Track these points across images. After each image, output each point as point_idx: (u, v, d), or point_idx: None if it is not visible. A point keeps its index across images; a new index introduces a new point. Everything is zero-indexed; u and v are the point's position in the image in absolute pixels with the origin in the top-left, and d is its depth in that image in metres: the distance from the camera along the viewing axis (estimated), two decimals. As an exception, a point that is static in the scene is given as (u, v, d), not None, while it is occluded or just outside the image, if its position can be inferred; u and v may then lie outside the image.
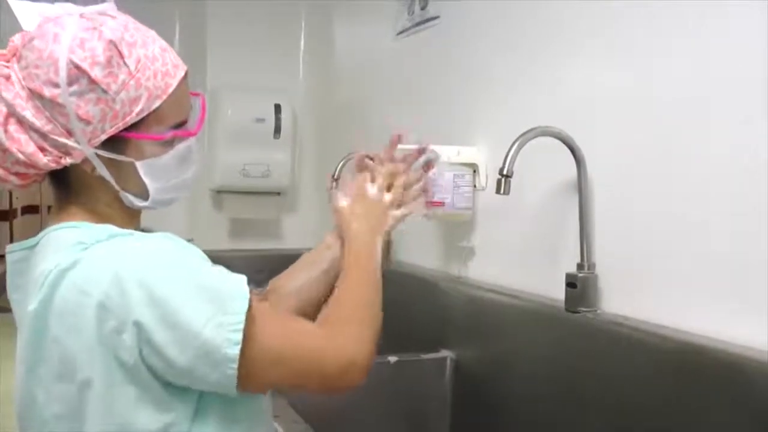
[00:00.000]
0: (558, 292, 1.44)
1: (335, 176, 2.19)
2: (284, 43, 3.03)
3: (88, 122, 0.90)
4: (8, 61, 0.92)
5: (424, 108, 2.11)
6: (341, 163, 2.21)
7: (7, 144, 0.90)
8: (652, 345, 1.22)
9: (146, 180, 0.97)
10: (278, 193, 2.96)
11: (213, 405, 0.92)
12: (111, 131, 0.92)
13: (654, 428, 1.21)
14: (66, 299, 0.86)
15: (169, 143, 0.98)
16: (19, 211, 14.25)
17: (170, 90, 0.95)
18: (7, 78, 0.91)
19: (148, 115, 0.94)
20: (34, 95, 0.89)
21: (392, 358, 1.71)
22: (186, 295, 0.86)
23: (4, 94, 0.89)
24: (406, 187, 1.27)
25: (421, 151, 1.30)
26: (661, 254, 1.28)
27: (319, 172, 3.00)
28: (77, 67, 0.88)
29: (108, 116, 0.91)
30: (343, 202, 1.24)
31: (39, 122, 0.90)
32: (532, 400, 1.51)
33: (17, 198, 13.69)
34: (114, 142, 0.93)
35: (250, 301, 0.88)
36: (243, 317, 0.87)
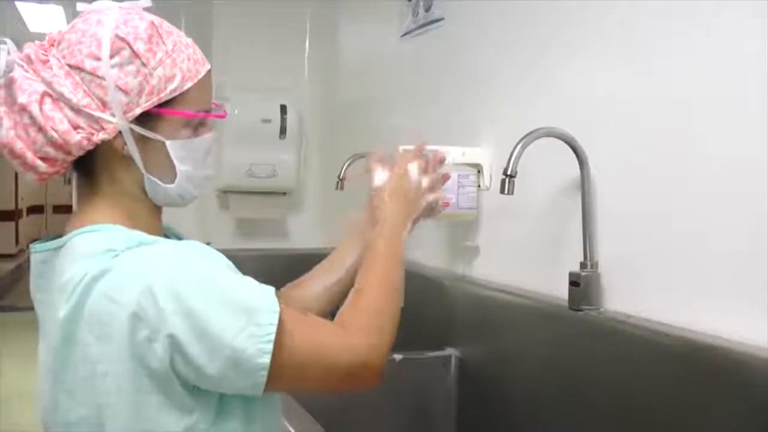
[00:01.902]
0: (561, 291, 1.44)
1: (341, 176, 2.20)
2: (290, 44, 3.04)
3: (126, 93, 0.93)
4: (46, 50, 0.95)
5: (428, 109, 2.12)
6: (347, 163, 2.22)
7: (42, 121, 0.91)
8: (655, 342, 1.23)
9: (176, 162, 0.99)
10: (284, 193, 2.97)
11: (233, 406, 0.94)
12: (146, 106, 0.94)
13: (657, 425, 1.21)
14: (96, 308, 0.87)
15: (195, 131, 1.01)
16: (24, 212, 14.24)
17: (200, 76, 0.99)
18: (45, 62, 0.93)
19: (178, 97, 0.97)
20: (74, 70, 0.92)
21: (398, 356, 1.71)
22: (218, 305, 0.87)
23: (43, 74, 0.92)
24: (438, 181, 1.28)
25: (440, 160, 1.31)
26: (663, 253, 1.28)
27: (324, 172, 3.00)
28: (121, 39, 0.93)
29: (145, 90, 0.94)
30: (382, 176, 1.24)
31: (75, 97, 0.92)
32: (535, 397, 1.52)
33: (22, 199, 13.70)
34: (146, 121, 0.96)
35: (280, 311, 0.90)
36: (274, 329, 0.88)
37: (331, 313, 1.28)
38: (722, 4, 1.18)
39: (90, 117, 0.92)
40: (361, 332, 1.00)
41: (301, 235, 3.04)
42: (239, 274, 0.94)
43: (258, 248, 2.94)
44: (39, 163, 0.94)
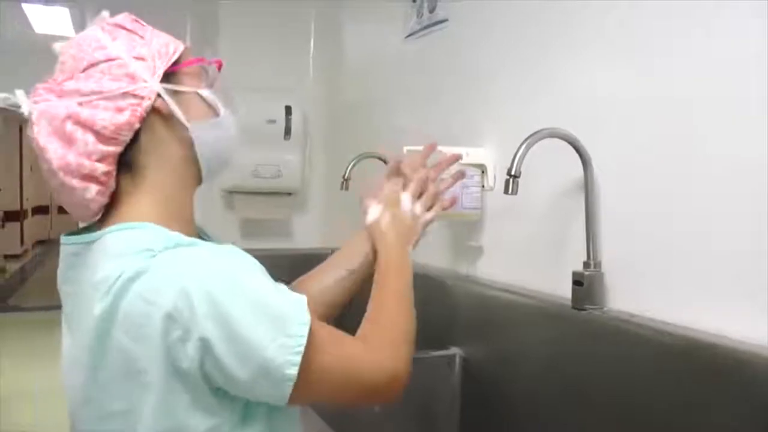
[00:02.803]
0: (565, 290, 1.45)
1: (345, 177, 2.21)
2: (294, 45, 3.06)
3: (143, 59, 0.99)
4: (54, 80, 0.99)
5: (432, 109, 2.13)
6: (351, 163, 2.23)
7: (88, 119, 0.95)
8: (658, 342, 1.23)
9: (213, 104, 1.05)
10: (289, 194, 2.99)
11: (258, 412, 0.96)
12: (163, 67, 1.01)
13: (659, 423, 1.22)
14: (132, 309, 0.89)
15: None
16: (29, 212, 14.27)
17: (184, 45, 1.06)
18: (59, 84, 0.98)
19: (184, 66, 1.04)
20: (90, 69, 0.97)
21: (402, 355, 1.72)
22: (251, 313, 0.89)
23: (65, 88, 0.97)
24: (437, 195, 1.32)
25: (454, 160, 1.33)
26: (666, 253, 1.28)
27: (329, 173, 3.01)
28: (111, 26, 1.02)
29: (155, 56, 1.00)
30: (375, 211, 1.27)
31: (106, 87, 0.96)
32: (538, 396, 1.52)
33: (27, 199, 13.71)
34: (170, 81, 1.01)
35: (311, 323, 0.92)
36: (304, 341, 0.90)
37: (341, 306, 1.30)
38: (723, 4, 1.18)
39: (126, 95, 0.97)
40: (384, 349, 1.03)
41: (305, 236, 3.06)
42: (272, 281, 0.96)
43: (263, 248, 2.95)
44: (97, 165, 0.97)
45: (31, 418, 4.47)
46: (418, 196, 1.29)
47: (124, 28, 1.02)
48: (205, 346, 0.87)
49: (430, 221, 1.30)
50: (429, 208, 1.30)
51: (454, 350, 1.81)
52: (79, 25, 3.19)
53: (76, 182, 0.97)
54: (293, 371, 0.89)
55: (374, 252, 1.25)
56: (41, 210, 14.53)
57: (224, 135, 1.07)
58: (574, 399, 1.42)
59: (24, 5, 4.10)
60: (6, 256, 11.58)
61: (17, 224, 12.57)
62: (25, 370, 5.57)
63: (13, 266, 11.71)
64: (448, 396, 1.80)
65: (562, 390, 1.46)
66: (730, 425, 1.10)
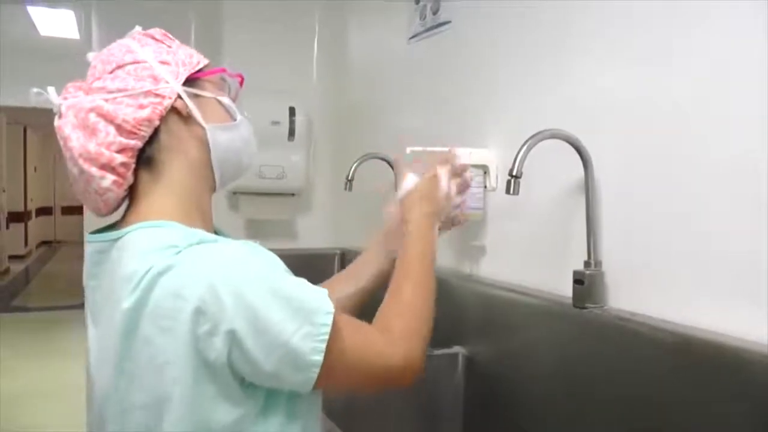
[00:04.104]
0: (566, 289, 1.46)
1: (349, 177, 2.23)
2: (298, 46, 3.06)
3: (167, 64, 1.06)
4: (85, 81, 1.06)
5: (435, 110, 2.14)
6: (355, 164, 2.25)
7: (111, 112, 1.01)
8: (658, 339, 1.24)
9: (231, 111, 1.12)
10: (293, 194, 3.00)
11: (279, 402, 0.99)
12: (186, 72, 1.07)
13: (659, 421, 1.23)
14: (160, 302, 0.92)
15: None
16: (33, 213, 14.29)
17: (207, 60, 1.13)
18: (90, 83, 1.05)
19: (206, 74, 1.11)
20: (117, 70, 1.04)
21: (406, 354, 1.74)
22: (276, 304, 0.93)
23: (93, 86, 1.04)
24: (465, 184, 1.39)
25: (463, 170, 1.36)
26: (666, 251, 1.29)
27: (333, 174, 3.02)
28: (143, 34, 1.10)
29: (179, 63, 1.07)
30: (410, 181, 1.33)
31: (130, 85, 1.03)
32: (540, 393, 1.54)
33: (32, 200, 13.73)
34: (192, 86, 1.07)
35: (334, 313, 0.96)
36: (329, 329, 0.94)
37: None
38: (723, 4, 1.18)
39: (149, 94, 1.03)
40: (401, 336, 1.07)
41: (309, 236, 3.07)
42: (293, 275, 1.00)
43: (267, 248, 2.95)
44: (116, 156, 1.02)
45: (35, 417, 4.50)
46: (455, 175, 1.36)
47: (153, 38, 1.09)
48: (233, 338, 0.91)
49: (456, 208, 1.35)
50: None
51: (458, 349, 1.82)
52: (84, 28, 3.21)
53: (94, 170, 1.02)
54: (319, 357, 0.93)
55: (402, 225, 1.29)
56: (45, 211, 14.56)
57: (238, 139, 1.14)
58: (576, 396, 1.43)
59: (29, 8, 4.13)
60: (10, 257, 11.61)
61: (21, 225, 12.60)
62: (29, 370, 5.60)
63: (18, 267, 11.74)
64: (452, 394, 1.81)
65: (564, 387, 1.47)
66: (729, 423, 1.10)
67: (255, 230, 3.01)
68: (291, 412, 1.01)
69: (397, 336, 1.06)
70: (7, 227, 11.69)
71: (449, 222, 1.40)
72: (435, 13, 2.11)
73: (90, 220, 1.74)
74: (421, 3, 2.19)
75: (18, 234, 12.47)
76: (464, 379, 1.81)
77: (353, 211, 2.82)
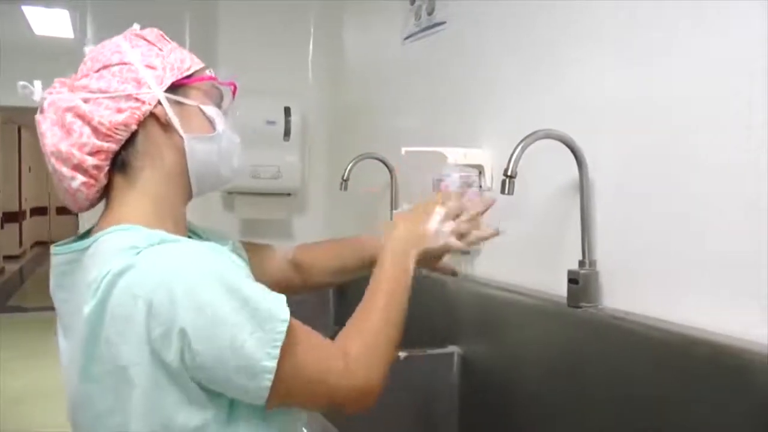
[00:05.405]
0: (560, 289, 1.47)
1: (345, 177, 2.23)
2: (294, 46, 3.07)
3: (153, 68, 1.04)
4: (73, 77, 1.06)
5: (431, 111, 2.14)
6: (350, 164, 2.25)
7: (87, 112, 1.00)
8: (652, 338, 1.24)
9: (212, 120, 1.09)
10: (288, 194, 3.00)
11: (245, 413, 0.96)
12: (172, 78, 1.05)
13: (655, 420, 1.23)
14: (119, 303, 0.90)
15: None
16: (28, 213, 14.24)
17: (202, 64, 1.11)
18: (75, 80, 1.05)
19: (195, 75, 1.09)
20: (103, 69, 1.03)
21: (402, 354, 1.74)
22: (230, 307, 0.90)
23: (77, 84, 1.03)
24: (471, 226, 1.29)
25: (489, 205, 1.33)
26: (660, 251, 1.30)
27: (328, 174, 3.03)
28: (136, 35, 1.08)
29: (167, 67, 1.05)
30: (404, 207, 1.33)
31: (112, 86, 1.02)
32: (536, 392, 1.54)
33: (26, 200, 13.67)
34: (176, 93, 1.06)
35: (290, 321, 0.93)
36: (283, 336, 0.91)
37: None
38: (723, 4, 1.18)
39: (129, 98, 1.01)
40: (360, 360, 1.02)
41: (305, 236, 3.05)
42: (253, 280, 0.97)
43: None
44: (87, 157, 1.01)
45: (30, 418, 4.49)
46: (453, 218, 1.27)
47: (145, 39, 1.07)
48: (184, 338, 0.88)
49: (455, 248, 1.27)
50: (460, 237, 1.27)
51: (453, 348, 1.82)
52: (79, 28, 3.21)
53: (65, 170, 1.01)
54: (272, 363, 0.90)
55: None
56: (40, 211, 14.52)
57: (216, 151, 1.09)
58: (570, 394, 1.44)
59: (24, 7, 4.12)
60: (5, 257, 11.58)
61: (16, 225, 12.57)
62: (25, 371, 5.58)
63: (13, 267, 11.71)
64: (447, 393, 1.81)
65: (557, 385, 1.47)
66: (725, 422, 1.11)
67: (250, 230, 3.01)
68: (263, 424, 0.98)
69: (356, 359, 1.02)
70: (2, 227, 11.66)
71: (434, 257, 1.30)
72: (430, 13, 2.11)
73: (85, 221, 1.74)
74: (417, 3, 2.19)
75: (12, 234, 12.43)
76: (459, 378, 1.81)
77: (349, 211, 2.82)
